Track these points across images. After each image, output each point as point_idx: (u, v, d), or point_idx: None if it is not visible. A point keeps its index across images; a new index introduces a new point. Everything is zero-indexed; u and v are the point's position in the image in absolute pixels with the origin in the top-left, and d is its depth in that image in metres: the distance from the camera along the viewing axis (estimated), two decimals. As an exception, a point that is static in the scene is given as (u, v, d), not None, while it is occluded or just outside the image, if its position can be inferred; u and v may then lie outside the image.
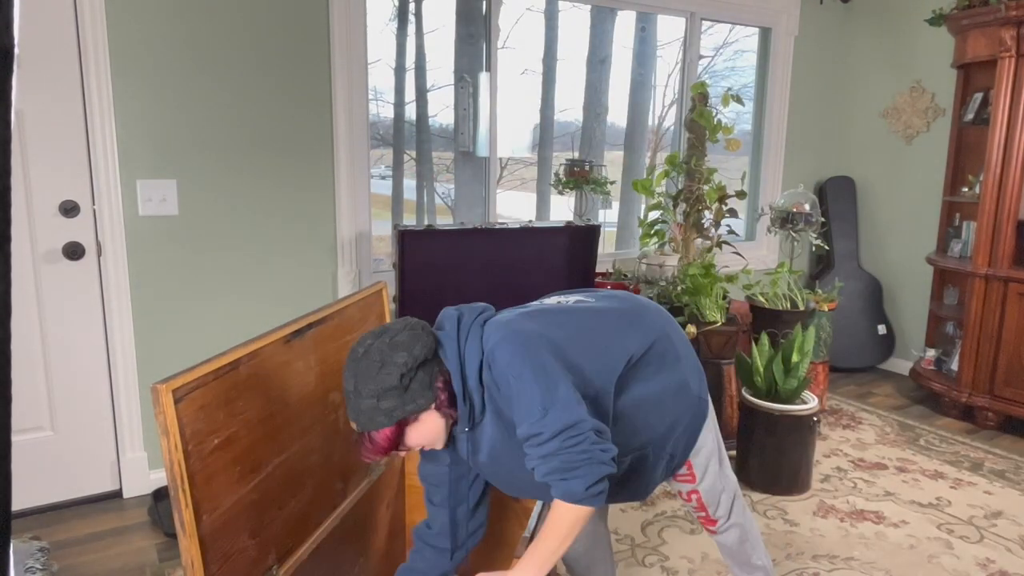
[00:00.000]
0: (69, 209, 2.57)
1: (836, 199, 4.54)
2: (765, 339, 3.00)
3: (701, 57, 4.16)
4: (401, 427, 1.40)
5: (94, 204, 2.60)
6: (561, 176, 3.55)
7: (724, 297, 3.25)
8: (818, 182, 4.63)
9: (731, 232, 3.55)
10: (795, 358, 2.90)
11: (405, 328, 1.43)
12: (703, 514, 1.81)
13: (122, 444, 2.77)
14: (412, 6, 3.58)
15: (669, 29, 4.20)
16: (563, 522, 1.37)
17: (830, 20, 4.44)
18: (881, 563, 2.42)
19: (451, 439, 1.51)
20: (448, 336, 1.48)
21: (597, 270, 3.37)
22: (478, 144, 3.66)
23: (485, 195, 3.67)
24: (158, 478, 2.81)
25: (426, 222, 3.77)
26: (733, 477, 1.82)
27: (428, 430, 1.43)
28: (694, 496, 1.76)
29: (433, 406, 1.41)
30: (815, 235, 3.58)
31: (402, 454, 1.59)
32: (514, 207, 4.19)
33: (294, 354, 1.54)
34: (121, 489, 2.80)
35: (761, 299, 3.36)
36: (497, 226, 3.20)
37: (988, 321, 3.55)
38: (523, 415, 1.37)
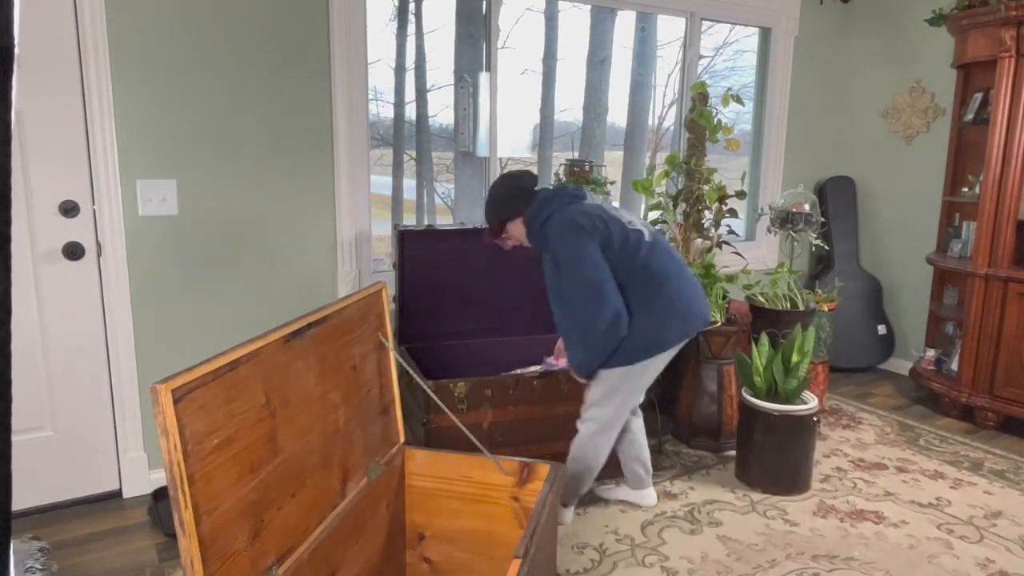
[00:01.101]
0: (69, 209, 2.57)
1: (836, 199, 4.54)
2: (765, 339, 3.00)
3: (701, 57, 4.16)
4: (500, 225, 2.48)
5: (94, 204, 2.61)
6: (561, 176, 3.55)
7: (724, 297, 3.25)
8: (818, 182, 4.63)
9: (731, 232, 3.55)
10: (795, 358, 2.90)
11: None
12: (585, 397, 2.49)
13: (122, 444, 2.78)
14: (412, 6, 3.58)
15: (669, 29, 4.20)
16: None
17: (830, 20, 4.44)
18: (881, 563, 2.42)
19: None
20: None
21: (597, 270, 3.36)
22: (478, 144, 3.66)
23: (485, 195, 3.66)
24: (158, 478, 2.82)
25: (426, 222, 3.77)
26: (602, 417, 2.44)
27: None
28: (591, 386, 2.45)
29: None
30: (815, 235, 3.58)
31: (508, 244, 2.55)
32: (514, 207, 4.18)
33: (294, 354, 1.54)
34: (121, 489, 2.81)
35: (761, 299, 3.36)
36: (497, 226, 3.20)
37: (988, 321, 3.55)
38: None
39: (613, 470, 2.97)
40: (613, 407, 2.44)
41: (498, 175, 2.58)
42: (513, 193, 2.44)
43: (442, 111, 3.73)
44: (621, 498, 2.76)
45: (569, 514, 2.62)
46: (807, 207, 3.48)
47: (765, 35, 4.33)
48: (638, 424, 2.66)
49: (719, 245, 3.54)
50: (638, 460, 2.68)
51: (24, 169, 2.47)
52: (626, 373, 2.37)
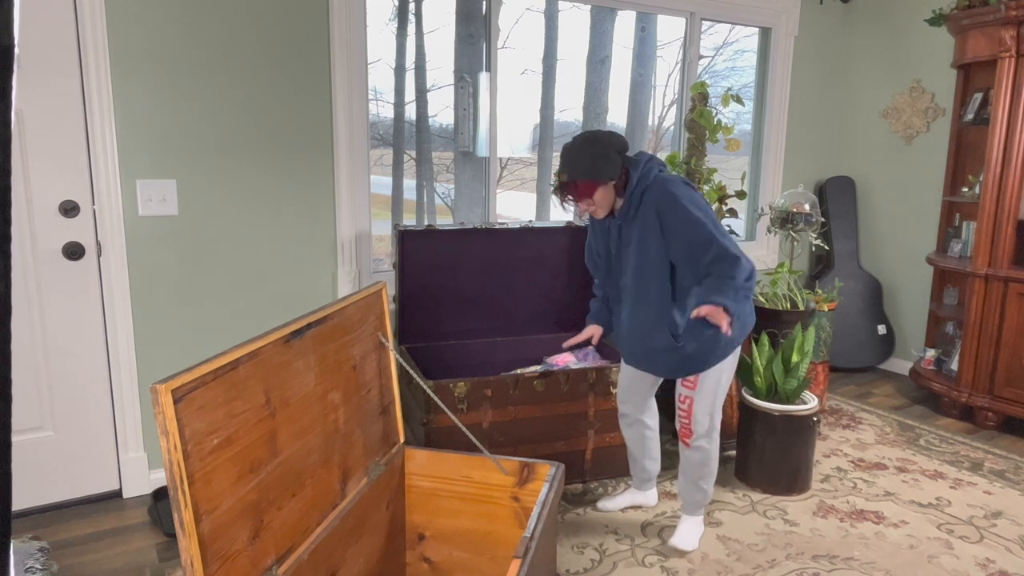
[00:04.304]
0: (69, 209, 2.57)
1: (836, 199, 4.54)
2: (765, 339, 3.00)
3: (701, 57, 4.16)
4: (595, 184, 2.16)
5: (94, 204, 2.61)
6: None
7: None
8: (818, 182, 4.63)
9: (731, 232, 3.55)
10: (795, 358, 2.90)
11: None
12: (686, 423, 2.39)
13: (122, 444, 2.78)
14: (412, 6, 3.58)
15: (669, 29, 4.20)
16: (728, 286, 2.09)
17: (830, 20, 4.44)
18: (881, 563, 2.42)
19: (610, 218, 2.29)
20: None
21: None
22: (478, 144, 3.66)
23: (485, 195, 3.67)
24: (158, 478, 2.82)
25: (426, 222, 3.77)
26: (719, 418, 2.40)
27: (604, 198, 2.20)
28: (688, 401, 2.36)
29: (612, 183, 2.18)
30: (815, 235, 3.58)
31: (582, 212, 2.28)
32: (514, 207, 4.19)
33: (294, 354, 1.54)
34: (121, 489, 2.81)
35: (761, 299, 3.36)
36: (497, 226, 3.21)
37: (988, 321, 3.55)
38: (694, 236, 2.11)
39: (615, 470, 2.97)
40: (719, 406, 2.40)
41: (582, 134, 2.24)
42: (614, 153, 2.20)
43: (442, 111, 3.73)
44: (623, 506, 2.75)
45: (700, 525, 2.54)
46: (807, 207, 3.48)
47: (765, 35, 4.33)
48: (655, 423, 2.66)
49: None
50: (651, 457, 2.68)
51: (24, 169, 2.48)
52: (726, 365, 2.34)
